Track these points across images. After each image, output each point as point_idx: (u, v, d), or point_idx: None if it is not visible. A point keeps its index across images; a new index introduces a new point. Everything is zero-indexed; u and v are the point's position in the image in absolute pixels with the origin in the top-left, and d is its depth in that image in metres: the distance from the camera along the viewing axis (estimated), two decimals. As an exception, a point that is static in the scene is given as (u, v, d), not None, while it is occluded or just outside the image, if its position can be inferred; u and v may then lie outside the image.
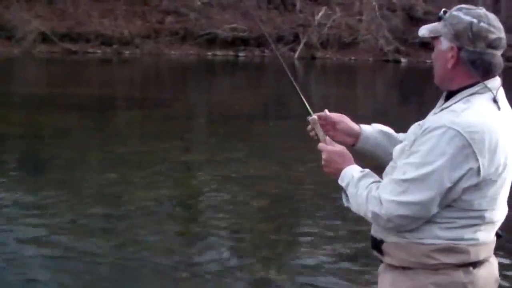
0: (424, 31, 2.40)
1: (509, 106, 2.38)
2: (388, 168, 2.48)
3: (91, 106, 16.04)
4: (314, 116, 2.66)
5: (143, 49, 35.63)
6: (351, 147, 2.69)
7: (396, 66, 35.99)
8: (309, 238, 6.47)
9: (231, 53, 36.47)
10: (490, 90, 2.29)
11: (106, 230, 6.51)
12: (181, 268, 5.61)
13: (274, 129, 13.57)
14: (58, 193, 7.66)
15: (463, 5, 2.33)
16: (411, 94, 22.58)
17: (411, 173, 2.22)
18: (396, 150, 2.47)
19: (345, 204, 2.47)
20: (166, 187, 8.21)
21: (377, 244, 2.45)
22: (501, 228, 2.46)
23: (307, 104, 2.69)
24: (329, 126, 2.71)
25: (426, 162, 2.20)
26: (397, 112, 17.38)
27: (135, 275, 5.39)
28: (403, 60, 37.30)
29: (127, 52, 35.15)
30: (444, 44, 2.33)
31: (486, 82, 2.29)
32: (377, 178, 2.41)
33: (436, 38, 2.37)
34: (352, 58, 37.75)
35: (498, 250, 2.56)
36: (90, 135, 12.08)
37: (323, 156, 2.55)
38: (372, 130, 2.73)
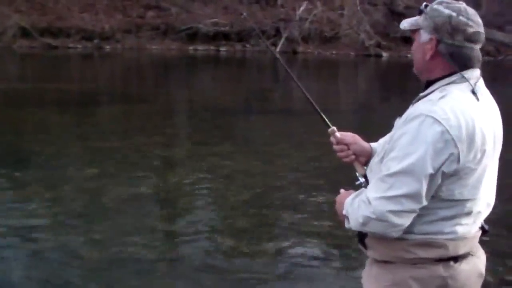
0: (405, 24, 2.44)
1: (491, 98, 2.41)
2: (371, 164, 2.50)
3: (71, 102, 15.94)
4: (333, 128, 2.69)
5: (124, 44, 35.39)
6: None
7: (378, 60, 36.08)
8: (291, 234, 6.46)
9: (212, 47, 36.35)
10: (467, 80, 2.31)
11: (86, 226, 6.46)
12: (161, 265, 5.58)
13: (256, 124, 13.55)
14: (37, 189, 7.60)
15: None
16: (393, 88, 22.66)
17: (395, 167, 2.22)
18: (380, 145, 2.48)
19: (346, 226, 2.44)
20: (147, 183, 8.17)
21: (361, 238, 2.47)
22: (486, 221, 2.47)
23: (324, 117, 2.72)
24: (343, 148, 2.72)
25: (408, 152, 2.20)
26: (379, 106, 17.43)
27: (115, 272, 5.35)
28: (384, 54, 37.37)
29: (108, 47, 34.91)
30: (423, 36, 2.36)
31: (463, 72, 2.31)
32: None
33: (416, 31, 2.40)
34: (334, 52, 37.77)
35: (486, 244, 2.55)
36: (70, 130, 12.00)
37: (335, 206, 2.56)
38: (383, 147, 2.71)
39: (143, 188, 7.84)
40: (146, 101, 16.49)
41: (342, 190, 2.61)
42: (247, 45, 36.46)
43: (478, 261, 2.44)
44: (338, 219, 2.52)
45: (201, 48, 36.09)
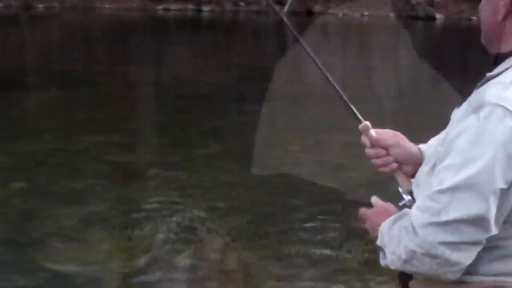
0: None
1: None
2: (419, 174, 2.48)
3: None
4: (366, 123, 2.64)
5: (65, 1, 35.49)
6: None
7: (429, 24, 36.20)
8: (303, 270, 6.48)
9: (190, 6, 36.44)
10: None
11: (10, 262, 6.46)
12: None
13: (253, 116, 13.55)
14: None
15: None
16: (450, 64, 22.70)
17: (451, 180, 2.19)
18: (431, 147, 2.46)
19: (382, 263, 2.41)
20: (96, 201, 8.16)
21: (404, 280, 2.45)
22: None
23: (352, 107, 2.68)
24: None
25: (468, 158, 2.17)
26: (430, 91, 17.43)
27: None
28: (438, 16, 37.55)
29: (40, 5, 35.01)
30: None
31: None
32: None
33: None
34: (366, 13, 37.93)
35: None
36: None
37: (366, 224, 2.55)
38: (435, 150, 2.65)
39: (89, 209, 7.85)
40: (95, 83, 16.49)
41: (374, 200, 2.59)
42: (241, 3, 36.58)
43: None
44: (371, 251, 2.51)
45: (174, 8, 36.21)
